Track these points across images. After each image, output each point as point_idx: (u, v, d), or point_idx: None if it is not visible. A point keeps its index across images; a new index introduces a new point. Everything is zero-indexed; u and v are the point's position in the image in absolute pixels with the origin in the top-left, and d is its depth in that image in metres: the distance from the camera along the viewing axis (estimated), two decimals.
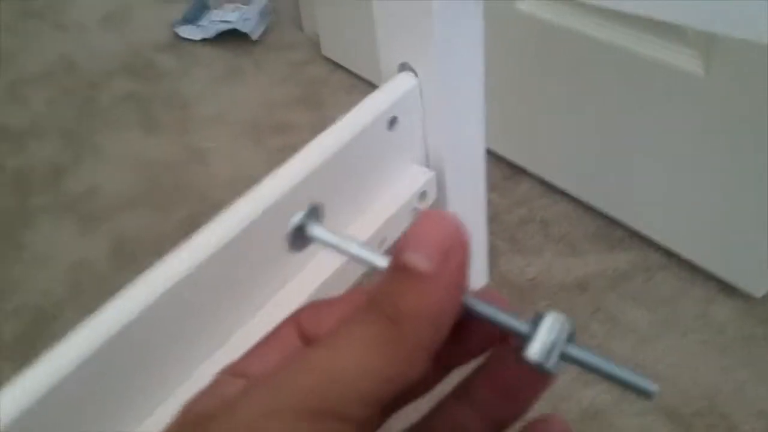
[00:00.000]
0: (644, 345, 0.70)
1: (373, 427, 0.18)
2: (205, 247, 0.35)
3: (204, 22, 1.41)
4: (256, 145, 1.05)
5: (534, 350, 0.17)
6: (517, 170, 0.94)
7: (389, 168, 0.56)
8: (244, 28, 1.32)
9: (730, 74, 0.61)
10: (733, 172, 0.66)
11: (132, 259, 0.87)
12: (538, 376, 0.18)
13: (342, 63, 1.19)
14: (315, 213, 0.23)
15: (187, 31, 1.37)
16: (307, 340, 0.19)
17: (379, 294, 0.16)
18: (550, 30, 0.74)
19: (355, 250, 0.21)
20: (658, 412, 0.64)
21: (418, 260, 0.15)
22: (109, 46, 1.34)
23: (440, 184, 0.60)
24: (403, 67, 0.55)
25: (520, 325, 0.17)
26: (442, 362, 0.19)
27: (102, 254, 0.88)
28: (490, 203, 0.93)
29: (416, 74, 0.55)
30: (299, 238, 0.23)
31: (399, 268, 0.16)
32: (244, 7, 1.43)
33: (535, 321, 0.17)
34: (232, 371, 0.18)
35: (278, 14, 1.41)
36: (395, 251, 0.16)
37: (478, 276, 0.79)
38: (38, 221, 0.94)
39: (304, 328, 0.19)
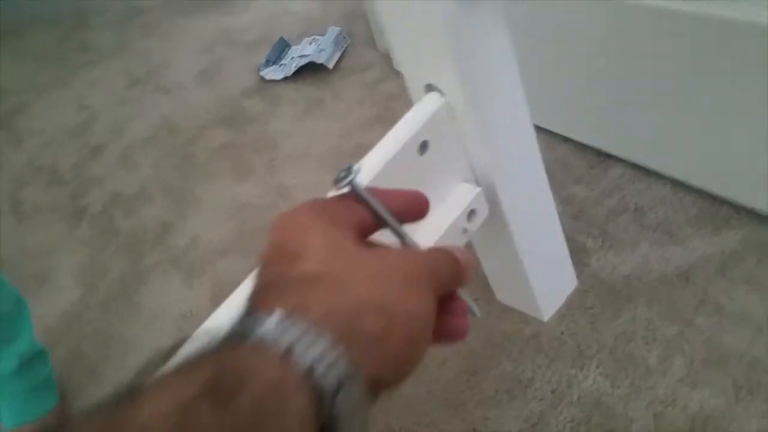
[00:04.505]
0: (762, 335, 0.63)
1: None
2: None
3: (285, 60, 1.45)
4: None
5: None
6: (604, 157, 0.88)
7: (431, 191, 0.54)
8: (319, 59, 1.34)
9: None
10: None
11: None
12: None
13: None
14: None
15: (270, 73, 1.42)
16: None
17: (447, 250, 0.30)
18: (624, 9, 0.70)
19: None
20: None
21: (461, 255, 0.30)
22: (202, 101, 1.42)
23: (492, 199, 0.58)
24: (430, 88, 0.54)
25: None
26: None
27: (204, 303, 0.93)
28: (574, 198, 0.87)
29: (443, 94, 0.53)
30: None
31: (451, 253, 0.30)
32: (320, 37, 1.46)
33: None
34: None
35: (353, 37, 1.43)
36: (448, 248, 0.31)
37: (565, 282, 0.74)
38: (150, 279, 1.01)
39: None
